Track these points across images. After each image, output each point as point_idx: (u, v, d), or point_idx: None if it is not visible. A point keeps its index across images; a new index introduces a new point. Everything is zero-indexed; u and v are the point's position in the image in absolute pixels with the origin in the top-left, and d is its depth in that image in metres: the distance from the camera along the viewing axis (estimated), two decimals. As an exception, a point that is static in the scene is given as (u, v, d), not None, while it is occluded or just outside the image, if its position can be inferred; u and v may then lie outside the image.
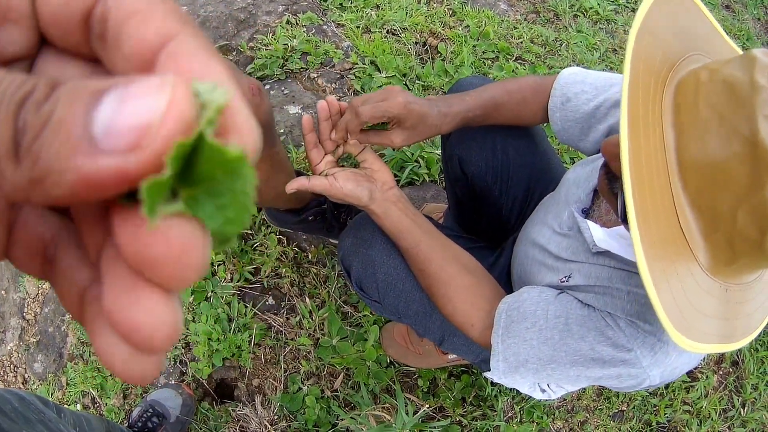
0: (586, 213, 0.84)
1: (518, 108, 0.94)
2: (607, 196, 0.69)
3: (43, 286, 1.60)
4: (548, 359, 0.75)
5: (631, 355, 0.68)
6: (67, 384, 1.51)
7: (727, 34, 0.69)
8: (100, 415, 1.48)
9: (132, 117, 0.12)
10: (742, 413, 1.59)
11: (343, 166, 0.85)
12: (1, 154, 0.11)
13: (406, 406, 1.23)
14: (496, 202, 1.10)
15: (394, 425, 1.19)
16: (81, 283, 0.16)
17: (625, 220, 0.54)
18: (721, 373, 1.58)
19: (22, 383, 1.60)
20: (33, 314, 1.61)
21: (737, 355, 1.61)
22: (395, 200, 0.84)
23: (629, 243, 0.73)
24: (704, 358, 1.54)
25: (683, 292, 0.55)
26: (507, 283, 1.07)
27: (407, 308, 0.94)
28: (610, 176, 0.67)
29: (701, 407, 1.52)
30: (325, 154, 0.84)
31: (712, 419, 1.55)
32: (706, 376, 1.54)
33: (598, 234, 0.76)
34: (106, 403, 1.46)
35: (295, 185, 0.79)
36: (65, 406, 1.50)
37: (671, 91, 0.58)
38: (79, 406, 1.50)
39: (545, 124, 1.00)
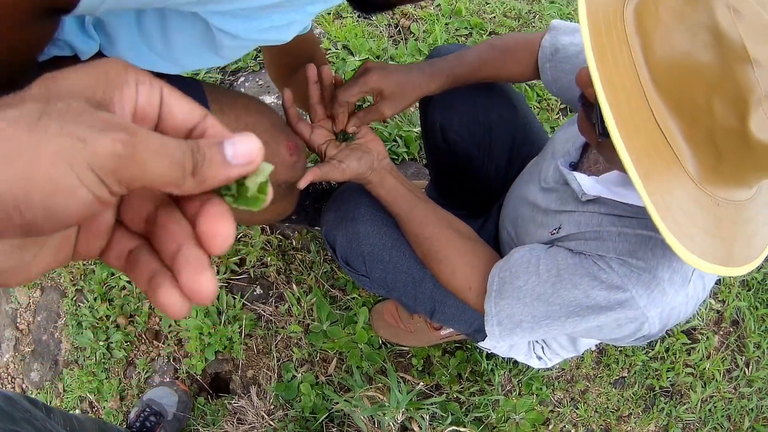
0: (574, 167, 0.83)
1: (505, 62, 0.93)
2: (586, 127, 0.68)
3: (34, 295, 1.60)
4: (543, 315, 0.74)
5: (626, 295, 0.66)
6: (64, 390, 1.51)
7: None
8: (98, 418, 1.47)
9: (245, 148, 0.25)
10: (746, 372, 1.56)
11: (336, 139, 0.87)
12: (188, 174, 0.24)
13: (400, 385, 1.21)
14: (479, 168, 1.09)
15: (388, 404, 1.18)
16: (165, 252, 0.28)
17: (605, 134, 0.53)
18: (721, 333, 1.56)
19: (21, 393, 1.59)
20: (26, 324, 1.61)
21: (737, 315, 1.59)
22: (389, 169, 0.86)
23: (619, 185, 0.71)
24: (702, 314, 1.52)
25: (674, 198, 0.54)
26: (495, 249, 1.06)
27: (395, 279, 0.93)
28: (587, 106, 0.66)
29: (704, 369, 1.50)
30: (312, 124, 0.84)
31: (716, 380, 1.52)
32: (707, 337, 1.52)
33: (586, 182, 0.75)
34: (104, 407, 1.46)
35: (309, 178, 0.79)
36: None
37: (631, 8, 0.57)
38: (77, 412, 1.50)
39: (525, 90, 0.99)
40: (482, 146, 1.06)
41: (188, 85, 0.67)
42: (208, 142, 0.25)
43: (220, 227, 0.26)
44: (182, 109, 0.26)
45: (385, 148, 0.87)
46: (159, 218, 0.27)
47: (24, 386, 1.58)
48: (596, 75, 0.52)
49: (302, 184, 0.78)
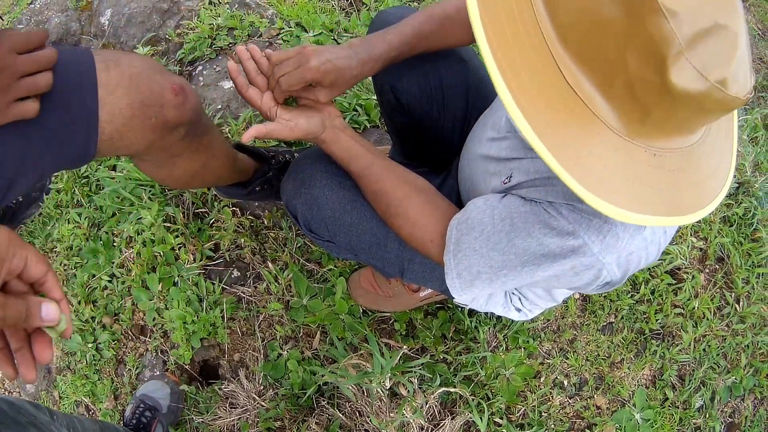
0: None
1: (446, 32, 0.91)
2: None
3: (21, 307, 1.61)
4: (499, 265, 0.73)
5: (578, 240, 0.65)
6: (60, 397, 1.51)
7: None
8: (99, 420, 1.48)
9: (50, 311, 0.52)
10: (737, 309, 1.55)
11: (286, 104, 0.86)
12: (22, 321, 0.49)
13: (383, 351, 1.21)
14: (435, 125, 1.09)
15: (371, 370, 1.18)
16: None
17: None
18: (707, 271, 1.55)
19: (20, 407, 1.60)
20: (17, 337, 1.62)
21: (721, 251, 1.58)
22: (343, 127, 0.85)
23: None
24: (685, 252, 1.50)
25: (593, 154, 0.52)
26: (458, 203, 1.05)
27: (359, 241, 0.93)
28: None
29: (693, 308, 1.49)
30: (263, 93, 0.84)
31: (707, 319, 1.51)
32: (692, 276, 1.50)
33: None
34: (100, 408, 1.46)
35: (252, 133, 0.79)
36: (62, 419, 1.51)
37: None
38: (75, 417, 1.50)
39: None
40: (436, 102, 1.06)
41: (77, 54, 0.70)
42: (35, 303, 0.49)
43: (45, 352, 0.52)
44: (37, 266, 0.50)
45: (336, 108, 0.87)
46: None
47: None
48: (482, 38, 0.50)
49: (245, 138, 0.78)
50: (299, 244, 1.34)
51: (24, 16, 1.72)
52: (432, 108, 1.06)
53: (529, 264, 0.71)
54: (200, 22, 1.53)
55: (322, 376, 1.24)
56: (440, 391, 1.22)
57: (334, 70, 0.80)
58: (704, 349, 1.50)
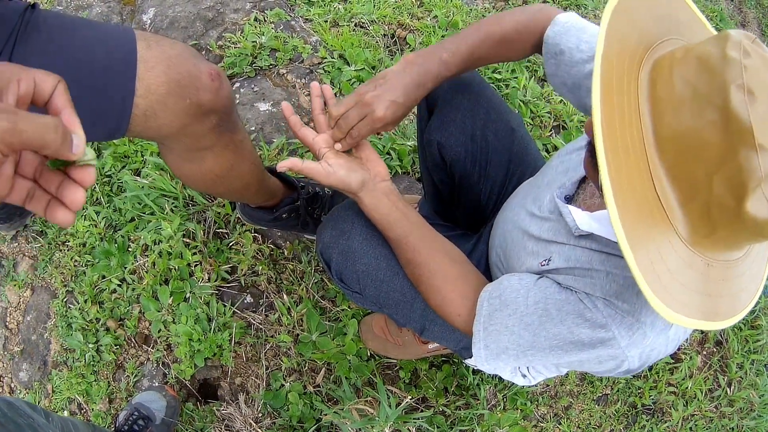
0: (569, 199, 0.83)
1: (501, 53, 0.90)
2: (591, 172, 0.69)
3: (24, 295, 1.59)
4: (528, 345, 0.75)
5: (609, 334, 0.68)
6: (53, 391, 1.51)
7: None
8: (88, 421, 1.48)
9: (78, 143, 0.42)
10: (728, 392, 1.59)
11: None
12: (59, 143, 0.38)
13: (388, 399, 1.23)
14: (474, 187, 1.10)
15: (377, 418, 1.19)
16: None
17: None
18: (705, 353, 1.59)
19: (9, 393, 1.59)
20: (15, 323, 1.61)
21: (721, 335, 1.61)
22: (388, 192, 0.85)
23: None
24: (687, 339, 1.54)
25: (662, 260, 0.55)
26: (486, 269, 1.07)
27: (387, 298, 0.94)
28: (593, 153, 0.66)
29: (686, 388, 1.53)
30: (317, 133, 0.85)
31: (698, 399, 1.55)
32: (690, 357, 1.54)
33: (581, 217, 0.76)
34: (93, 409, 1.46)
35: (287, 164, 0.80)
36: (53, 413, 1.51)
37: (647, 69, 0.58)
38: (66, 413, 1.50)
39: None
40: (479, 165, 1.07)
41: (120, 30, 0.72)
42: (66, 128, 0.39)
43: (86, 174, 0.43)
44: (46, 81, 0.41)
45: (386, 170, 0.87)
46: (43, 171, 0.43)
47: (12, 386, 1.58)
48: (600, 138, 0.53)
49: (281, 167, 0.79)
50: (316, 280, 1.35)
51: (65, 0, 1.69)
52: (474, 170, 1.07)
53: (558, 349, 0.73)
54: (243, 37, 1.52)
55: (324, 414, 1.25)
56: (435, 443, 1.24)
57: (398, 108, 0.82)
58: (691, 428, 1.54)
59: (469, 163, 1.06)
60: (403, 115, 0.84)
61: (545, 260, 0.80)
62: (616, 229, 0.52)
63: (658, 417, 1.51)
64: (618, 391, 1.47)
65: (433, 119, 1.04)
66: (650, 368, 1.50)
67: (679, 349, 1.54)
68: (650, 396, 1.49)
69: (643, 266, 0.53)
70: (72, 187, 0.43)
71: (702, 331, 1.58)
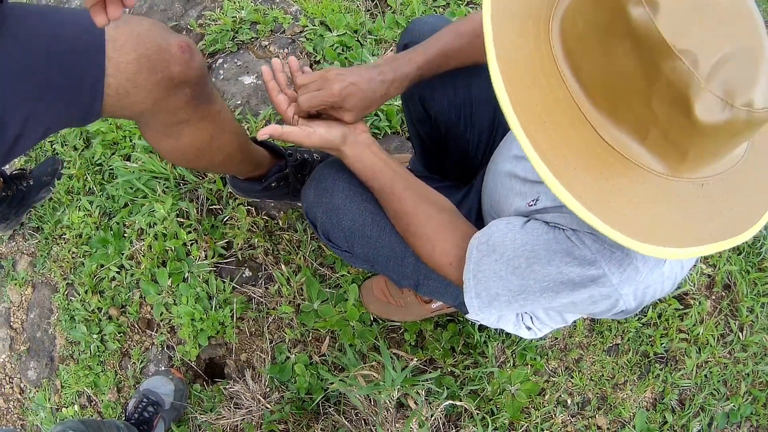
0: None
1: (475, 49, 0.90)
2: None
3: (26, 293, 1.59)
4: (518, 289, 0.73)
5: (599, 271, 0.65)
6: (62, 386, 1.51)
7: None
8: (98, 413, 1.47)
9: None
10: (740, 337, 1.56)
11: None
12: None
13: (393, 362, 1.21)
14: (461, 138, 1.08)
15: (383, 383, 1.18)
16: None
17: None
18: (713, 297, 1.56)
19: (19, 393, 1.59)
20: (20, 322, 1.60)
21: (728, 279, 1.58)
22: (369, 143, 0.84)
23: None
24: (693, 284, 1.51)
25: (638, 207, 0.53)
26: (478, 219, 1.05)
27: (377, 254, 0.92)
28: None
29: (698, 334, 1.50)
30: (290, 102, 0.85)
31: (711, 346, 1.52)
32: (699, 302, 1.51)
33: None
34: (102, 400, 1.46)
35: (268, 131, 0.80)
36: (63, 408, 1.50)
37: (557, 24, 0.56)
38: (76, 407, 1.50)
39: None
40: (464, 116, 1.05)
41: (86, 15, 0.74)
42: None
43: None
44: None
45: (364, 122, 0.87)
46: None
47: (22, 385, 1.58)
48: (515, 121, 0.51)
49: (260, 135, 0.78)
50: (313, 248, 1.34)
51: (42, -5, 1.69)
52: (459, 121, 1.05)
53: (548, 291, 0.71)
54: (223, 14, 1.51)
55: (331, 383, 1.24)
56: (446, 404, 1.23)
57: (356, 92, 0.81)
58: (706, 375, 1.51)
59: (454, 114, 1.04)
60: (361, 104, 0.83)
61: (533, 200, 0.78)
62: (570, 206, 0.51)
63: (671, 365, 1.49)
64: (629, 340, 1.45)
65: None
66: (659, 315, 1.48)
67: (686, 294, 1.52)
68: (662, 344, 1.47)
69: (618, 221, 0.51)
70: None
71: (709, 275, 1.55)
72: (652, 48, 0.46)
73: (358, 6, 1.53)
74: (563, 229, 0.70)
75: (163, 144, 0.93)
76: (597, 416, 1.40)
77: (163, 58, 0.75)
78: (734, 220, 0.56)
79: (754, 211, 0.58)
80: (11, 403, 1.56)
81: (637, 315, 1.47)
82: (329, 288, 1.32)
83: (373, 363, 1.26)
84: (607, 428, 1.40)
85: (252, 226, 1.35)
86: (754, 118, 0.48)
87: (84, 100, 0.73)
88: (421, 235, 0.83)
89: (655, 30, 0.46)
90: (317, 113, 0.85)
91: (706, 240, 0.54)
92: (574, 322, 1.41)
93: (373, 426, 1.20)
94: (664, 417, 1.45)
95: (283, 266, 1.33)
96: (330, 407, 1.27)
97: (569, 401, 1.39)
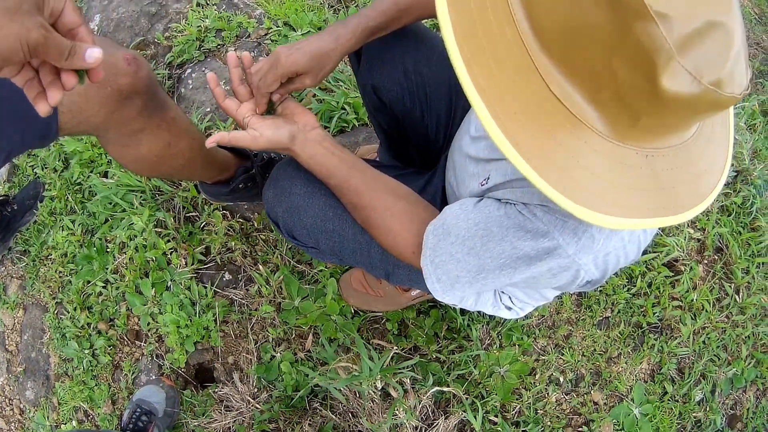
0: None
1: (428, 2, 0.88)
2: None
3: (18, 315, 1.62)
4: (476, 269, 0.72)
5: (552, 242, 0.64)
6: (59, 403, 1.52)
7: None
8: (96, 426, 1.49)
9: (93, 54, 0.54)
10: (737, 300, 1.53)
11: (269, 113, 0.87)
12: (65, 56, 0.50)
13: (371, 352, 1.20)
14: (419, 124, 1.08)
15: (359, 373, 1.17)
16: None
17: None
18: (705, 262, 1.53)
19: (19, 414, 1.62)
20: (14, 344, 1.63)
21: (720, 241, 1.55)
22: (320, 139, 0.83)
23: None
24: (682, 244, 1.48)
25: (580, 166, 0.50)
26: (443, 203, 1.04)
27: (343, 247, 0.92)
28: None
29: (691, 300, 1.47)
30: (241, 103, 0.85)
31: (706, 311, 1.49)
32: (690, 267, 1.48)
33: None
34: (98, 414, 1.47)
35: (215, 138, 0.80)
36: (61, 425, 1.52)
37: None
38: (74, 422, 1.51)
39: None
40: (418, 101, 1.04)
41: None
42: (81, 46, 0.50)
43: (70, 80, 0.53)
44: (73, 14, 0.51)
45: (314, 118, 0.85)
46: (45, 66, 0.53)
47: (21, 406, 1.61)
48: (457, 56, 0.49)
49: (208, 144, 0.79)
50: (290, 246, 1.34)
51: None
52: (415, 107, 1.05)
53: (506, 267, 0.70)
54: (188, 24, 1.53)
55: (313, 378, 1.24)
56: (433, 390, 1.21)
57: (305, 52, 0.81)
58: (704, 342, 1.48)
59: (408, 100, 1.03)
60: (313, 62, 0.82)
61: (484, 179, 0.77)
62: (505, 151, 0.48)
63: (666, 334, 1.46)
64: (619, 312, 1.42)
65: (362, 63, 1.02)
66: (649, 284, 1.45)
67: (676, 261, 1.49)
68: (654, 313, 1.44)
69: (553, 178, 0.49)
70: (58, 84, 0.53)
71: (698, 239, 1.52)
72: (627, 4, 0.44)
73: (320, 3, 1.54)
74: (514, 204, 0.68)
75: (124, 154, 0.95)
76: (592, 392, 1.38)
77: (111, 72, 0.77)
78: (676, 198, 0.54)
79: (697, 193, 0.56)
80: (12, 424, 1.58)
81: (625, 285, 1.44)
82: (308, 284, 1.32)
83: (352, 355, 1.25)
84: (604, 403, 1.38)
85: (228, 230, 1.35)
86: (720, 99, 0.47)
87: (41, 120, 0.74)
88: (380, 227, 0.82)
89: None
90: (274, 109, 0.86)
91: (648, 213, 0.52)
92: (560, 297, 1.39)
93: (360, 418, 1.19)
94: (664, 387, 1.43)
95: (261, 267, 1.33)
96: (317, 403, 1.27)
97: (562, 379, 1.37)
